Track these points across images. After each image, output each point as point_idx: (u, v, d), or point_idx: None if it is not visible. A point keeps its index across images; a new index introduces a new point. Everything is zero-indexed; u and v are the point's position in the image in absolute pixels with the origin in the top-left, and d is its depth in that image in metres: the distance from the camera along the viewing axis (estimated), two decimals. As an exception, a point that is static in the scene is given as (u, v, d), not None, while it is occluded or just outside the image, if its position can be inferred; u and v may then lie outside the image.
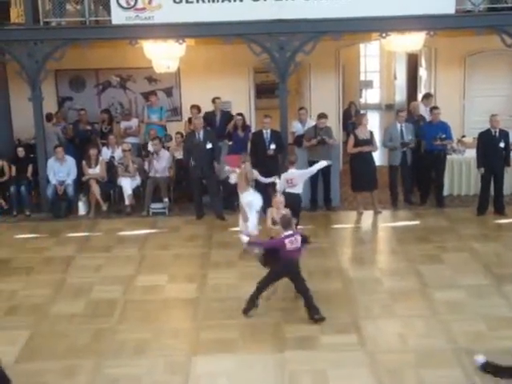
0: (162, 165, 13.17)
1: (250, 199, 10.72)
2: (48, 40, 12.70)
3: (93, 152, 13.25)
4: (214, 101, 14.30)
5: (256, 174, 11.07)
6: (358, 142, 12.57)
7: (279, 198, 9.54)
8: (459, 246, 11.04)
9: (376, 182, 12.79)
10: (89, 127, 14.56)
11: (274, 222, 9.49)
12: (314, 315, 8.47)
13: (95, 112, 15.25)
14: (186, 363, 7.69)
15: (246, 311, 8.68)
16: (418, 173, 13.23)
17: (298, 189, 10.90)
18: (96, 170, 13.22)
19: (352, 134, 12.89)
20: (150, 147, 13.57)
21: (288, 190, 10.71)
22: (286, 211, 9.28)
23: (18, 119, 14.38)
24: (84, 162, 13.26)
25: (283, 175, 10.93)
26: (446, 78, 15.45)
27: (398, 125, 12.96)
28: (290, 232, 8.57)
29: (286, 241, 8.49)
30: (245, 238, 9.36)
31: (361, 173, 12.60)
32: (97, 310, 9.09)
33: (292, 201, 10.38)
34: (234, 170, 11.06)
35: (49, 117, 14.16)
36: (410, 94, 17.93)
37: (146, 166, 13.31)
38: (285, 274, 8.66)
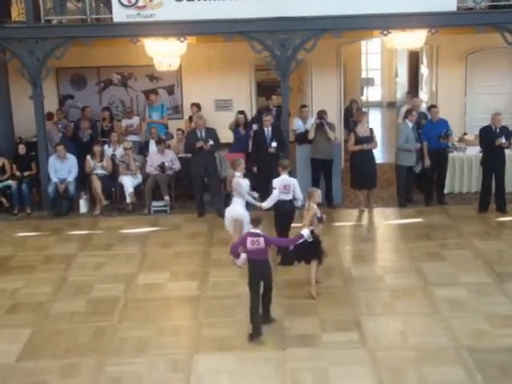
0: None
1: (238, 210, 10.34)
2: (49, 38, 12.69)
3: (97, 148, 13.25)
4: (269, 97, 14.24)
5: (244, 190, 10.37)
6: (359, 140, 12.56)
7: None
8: (461, 244, 11.03)
9: (375, 180, 12.80)
10: (89, 131, 14.38)
11: (320, 220, 9.14)
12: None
13: (96, 110, 15.24)
14: (187, 361, 7.70)
15: (251, 337, 8.07)
16: (422, 172, 13.15)
17: (290, 195, 10.30)
18: (101, 164, 13.22)
19: (352, 132, 12.88)
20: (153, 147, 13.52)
21: (282, 197, 10.20)
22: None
23: (18, 117, 14.37)
24: (88, 157, 13.24)
25: (277, 180, 10.26)
26: (448, 76, 15.41)
27: (410, 124, 12.81)
28: (257, 231, 8.10)
29: (248, 239, 8.09)
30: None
31: (361, 170, 12.58)
32: (98, 308, 9.10)
33: (287, 208, 10.23)
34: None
35: (49, 116, 14.13)
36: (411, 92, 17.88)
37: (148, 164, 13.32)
38: (256, 276, 8.13)
